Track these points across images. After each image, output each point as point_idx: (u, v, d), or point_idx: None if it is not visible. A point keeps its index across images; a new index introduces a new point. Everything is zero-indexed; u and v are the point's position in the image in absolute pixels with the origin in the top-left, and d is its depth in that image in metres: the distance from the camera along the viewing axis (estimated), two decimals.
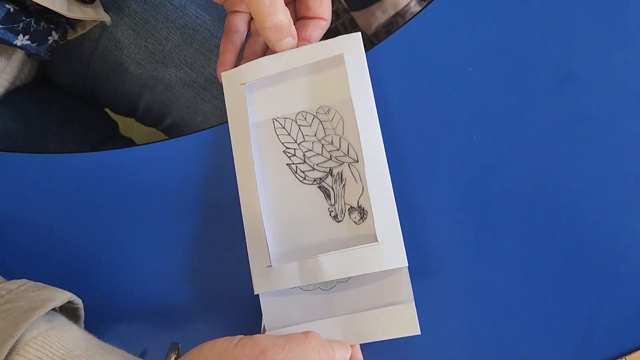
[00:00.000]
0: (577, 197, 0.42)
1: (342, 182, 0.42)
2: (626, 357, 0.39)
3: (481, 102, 0.44)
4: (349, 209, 0.41)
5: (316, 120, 0.44)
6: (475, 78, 0.44)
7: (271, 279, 0.40)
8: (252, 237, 0.42)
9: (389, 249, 0.39)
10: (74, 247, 0.46)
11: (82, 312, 0.40)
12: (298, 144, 0.44)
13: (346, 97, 0.42)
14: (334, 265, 0.39)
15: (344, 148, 0.43)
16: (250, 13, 0.42)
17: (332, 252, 0.39)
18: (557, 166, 0.43)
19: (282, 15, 0.40)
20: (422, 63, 0.45)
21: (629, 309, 0.40)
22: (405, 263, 0.39)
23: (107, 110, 0.73)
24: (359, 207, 0.41)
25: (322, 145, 0.43)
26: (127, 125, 0.77)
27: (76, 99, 0.69)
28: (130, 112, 0.67)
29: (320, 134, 0.44)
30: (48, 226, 0.47)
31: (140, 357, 0.38)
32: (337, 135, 0.43)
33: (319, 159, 0.43)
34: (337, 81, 0.42)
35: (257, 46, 0.46)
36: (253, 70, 0.43)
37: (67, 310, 0.39)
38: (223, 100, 0.44)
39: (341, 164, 0.43)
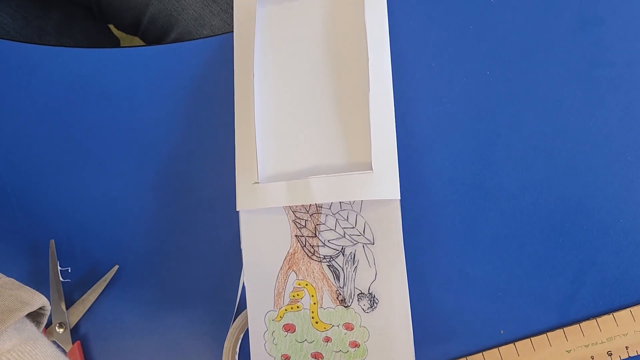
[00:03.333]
0: (584, 145, 0.41)
1: (354, 264, 0.39)
2: (614, 314, 0.40)
3: (499, 37, 0.42)
4: (358, 295, 0.39)
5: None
6: (497, 11, 0.42)
7: (256, 196, 0.39)
8: (242, 150, 0.40)
9: (383, 179, 0.37)
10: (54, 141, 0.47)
11: (45, 320, 0.38)
12: (310, 215, 0.39)
13: (359, 40, 0.39)
14: (324, 188, 0.37)
15: (360, 227, 0.38)
16: None
17: (324, 175, 0.38)
18: (567, 111, 0.41)
19: None
20: None
21: (621, 265, 0.40)
22: (397, 196, 0.37)
23: (110, 28, 0.66)
24: (370, 294, 0.39)
25: (337, 220, 0.39)
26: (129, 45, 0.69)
27: (80, 8, 0.62)
28: (134, 25, 0.59)
29: (336, 207, 0.39)
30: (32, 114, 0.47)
31: None
32: (355, 211, 0.38)
33: (331, 235, 0.39)
34: (350, 12, 0.40)
35: None
36: None
37: (31, 314, 0.37)
38: (232, 15, 0.42)
39: (355, 244, 0.39)
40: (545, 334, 0.41)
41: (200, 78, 0.45)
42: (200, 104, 0.45)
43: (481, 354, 0.41)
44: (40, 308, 0.37)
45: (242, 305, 0.42)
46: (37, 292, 0.36)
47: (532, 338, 0.41)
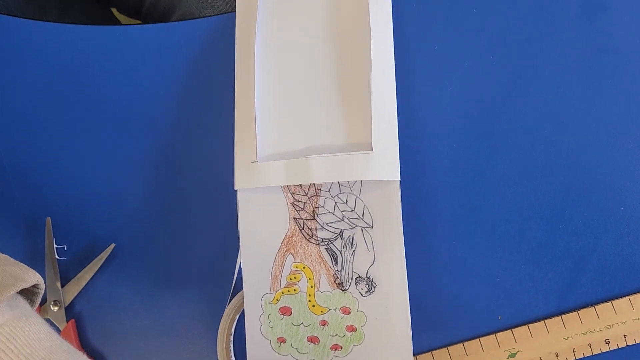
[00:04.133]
0: (586, 132, 0.40)
1: (352, 248, 0.39)
2: (612, 302, 0.40)
3: (503, 22, 0.42)
4: (356, 278, 0.39)
5: None
6: None
7: (255, 175, 0.38)
8: (241, 129, 0.40)
9: (383, 160, 0.37)
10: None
11: (39, 299, 0.37)
12: (309, 198, 0.39)
13: (362, 21, 0.38)
14: (323, 167, 0.37)
15: (359, 210, 0.38)
16: None
17: (323, 154, 0.37)
18: (570, 98, 0.41)
19: None
20: None
21: (621, 253, 0.40)
22: (397, 177, 0.37)
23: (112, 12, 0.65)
24: (368, 278, 0.39)
25: (336, 203, 0.38)
26: None
27: None
28: (136, 8, 0.58)
29: (335, 190, 0.38)
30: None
31: None
32: (354, 195, 0.38)
33: (330, 218, 0.39)
34: None
35: None
36: None
37: (25, 292, 0.37)
38: None
39: (353, 227, 0.38)
40: (543, 321, 0.40)
41: (201, 57, 0.45)
42: (200, 83, 0.44)
43: (478, 339, 0.41)
44: (34, 286, 0.37)
45: (238, 287, 0.42)
46: (31, 270, 0.36)
47: (529, 325, 0.40)
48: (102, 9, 0.63)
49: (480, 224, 0.41)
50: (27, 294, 0.37)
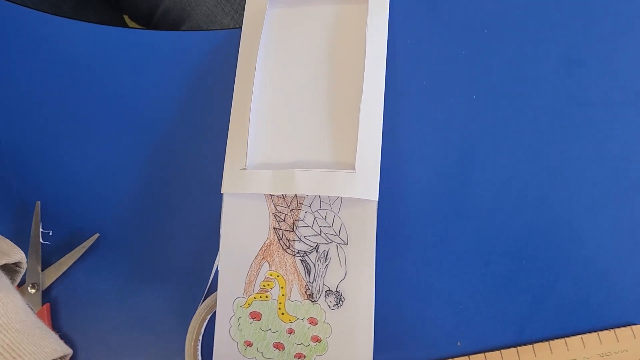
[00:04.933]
0: (556, 176, 0.43)
1: (325, 262, 0.40)
2: (566, 340, 0.41)
3: (488, 65, 0.45)
4: (326, 291, 0.41)
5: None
6: (490, 41, 0.45)
7: (242, 181, 0.40)
8: (234, 136, 0.42)
9: (364, 180, 0.39)
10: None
11: (19, 278, 0.39)
12: (290, 210, 0.41)
13: (358, 49, 0.41)
14: (307, 181, 0.39)
15: (336, 227, 0.40)
16: None
17: (309, 168, 0.40)
18: (543, 143, 0.43)
19: None
20: (441, 14, 0.46)
21: (578, 293, 0.42)
22: (375, 197, 0.39)
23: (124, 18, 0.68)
24: (337, 292, 0.40)
25: (315, 218, 0.40)
26: None
27: None
28: (147, 16, 0.61)
29: (316, 206, 0.40)
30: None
31: None
32: (333, 212, 0.40)
33: (307, 231, 0.41)
34: (353, 22, 0.43)
35: None
36: None
37: (6, 269, 0.38)
38: (242, 15, 0.44)
39: (329, 243, 0.40)
40: (499, 351, 0.42)
41: (204, 66, 0.47)
42: (201, 90, 0.47)
43: None
44: (16, 264, 0.38)
45: (213, 288, 0.44)
46: (17, 247, 0.37)
47: (486, 353, 0.42)
48: (115, 15, 0.66)
49: (449, 252, 0.43)
50: (8, 271, 0.39)
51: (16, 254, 0.37)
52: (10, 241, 0.38)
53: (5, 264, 0.37)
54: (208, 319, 0.44)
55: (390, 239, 0.43)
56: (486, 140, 0.44)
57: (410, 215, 0.43)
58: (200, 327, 0.44)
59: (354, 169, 0.39)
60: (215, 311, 0.43)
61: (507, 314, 0.42)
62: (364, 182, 0.39)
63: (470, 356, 0.42)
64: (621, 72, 0.44)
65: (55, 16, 0.49)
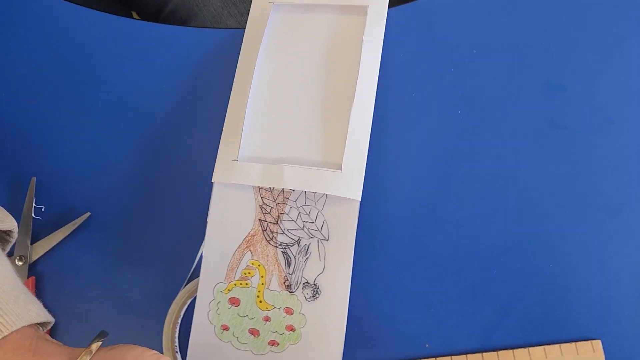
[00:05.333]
0: (530, 193, 0.45)
1: (306, 255, 0.42)
2: (529, 349, 0.43)
3: (475, 84, 0.47)
4: (304, 283, 0.42)
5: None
6: (477, 62, 0.48)
7: (232, 172, 0.42)
8: (228, 129, 0.44)
9: (349, 180, 0.41)
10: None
11: (9, 247, 0.40)
12: (276, 204, 0.43)
13: (353, 57, 0.44)
14: (295, 176, 0.41)
15: (319, 223, 0.42)
16: None
17: (298, 165, 0.42)
18: (521, 161, 0.46)
19: None
20: (435, 32, 0.48)
21: (543, 305, 0.44)
22: (358, 197, 0.41)
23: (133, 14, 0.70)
24: (314, 285, 0.42)
25: (299, 213, 0.42)
26: None
27: None
28: (155, 13, 0.63)
29: (301, 201, 0.42)
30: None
31: None
32: (317, 209, 0.42)
33: (291, 225, 0.43)
34: (351, 32, 0.45)
35: None
36: None
37: None
38: (247, 18, 0.47)
39: (310, 237, 0.42)
40: (465, 355, 0.44)
41: (206, 62, 0.49)
42: (201, 84, 0.49)
43: None
44: (7, 233, 0.40)
45: (196, 274, 0.45)
46: (10, 216, 0.39)
47: (453, 356, 0.44)
48: (123, 9, 0.68)
49: (424, 257, 0.45)
50: None
51: (9, 222, 0.38)
52: (4, 209, 0.39)
53: None
54: (188, 303, 0.45)
55: (369, 240, 0.45)
56: (467, 154, 0.46)
57: (390, 219, 0.45)
58: (180, 311, 0.45)
59: (340, 169, 0.41)
60: (195, 296, 0.44)
61: (475, 320, 0.44)
62: (349, 182, 0.41)
63: (438, 359, 0.44)
64: (597, 101, 0.46)
65: (65, 1, 0.51)
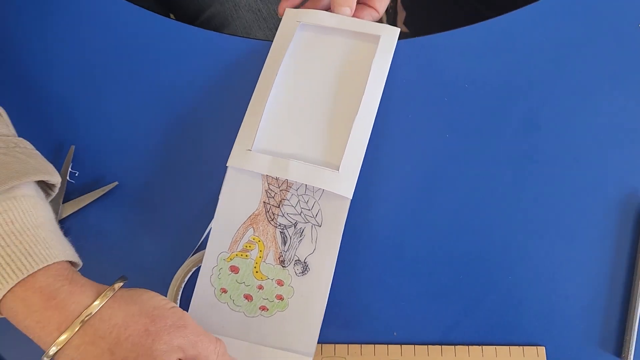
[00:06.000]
0: (502, 213, 0.52)
1: (300, 237, 0.49)
2: (482, 347, 0.49)
3: (464, 113, 0.54)
4: (295, 261, 0.49)
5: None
6: (468, 94, 0.55)
7: (246, 159, 0.49)
8: (247, 123, 0.51)
9: (344, 180, 0.48)
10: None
11: (48, 200, 0.45)
12: (280, 190, 0.50)
13: (362, 77, 0.52)
14: (298, 170, 0.48)
15: (315, 211, 0.49)
16: None
17: (302, 161, 0.49)
18: (496, 184, 0.53)
19: None
20: (435, 66, 0.56)
21: (498, 311, 0.50)
22: (350, 195, 0.48)
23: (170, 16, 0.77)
24: (305, 263, 0.49)
25: (299, 200, 0.49)
26: None
27: None
28: (192, 19, 0.70)
29: (302, 191, 0.49)
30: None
31: None
32: (314, 199, 0.49)
33: (291, 210, 0.50)
34: (364, 56, 0.53)
35: (316, 5, 0.57)
36: (311, 16, 0.54)
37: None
38: (274, 33, 0.54)
39: (306, 223, 0.49)
40: (427, 346, 0.50)
41: (234, 65, 0.57)
42: (226, 82, 0.56)
43: (373, 345, 0.51)
44: (50, 187, 0.47)
45: (202, 247, 0.52)
46: (57, 173, 0.46)
47: (416, 346, 0.50)
48: (162, 12, 0.76)
49: (402, 256, 0.52)
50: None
51: (56, 178, 0.45)
52: (53, 167, 0.46)
53: (40, 186, 0.45)
54: (192, 271, 0.52)
55: (356, 235, 0.52)
56: (449, 173, 0.53)
57: (377, 219, 0.52)
58: (184, 277, 0.52)
59: (338, 170, 0.48)
60: (199, 266, 0.51)
61: (439, 316, 0.51)
62: (344, 182, 0.48)
63: (403, 345, 0.51)
64: (566, 141, 0.54)
65: None
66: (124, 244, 0.53)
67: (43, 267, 0.38)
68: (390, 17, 1.21)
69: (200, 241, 0.52)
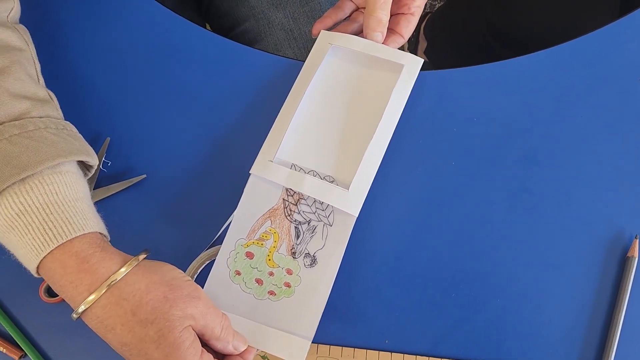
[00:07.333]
0: (496, 240, 0.56)
1: (312, 233, 0.54)
2: None
3: (470, 143, 0.59)
4: (305, 254, 0.53)
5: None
6: (475, 127, 0.59)
7: (266, 169, 0.54)
8: (272, 137, 0.55)
9: (352, 199, 0.53)
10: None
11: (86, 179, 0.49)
12: (299, 191, 0.55)
13: (382, 103, 0.56)
14: (311, 186, 0.53)
15: (327, 212, 0.54)
16: (359, 5, 0.60)
17: (316, 178, 0.53)
18: (494, 214, 0.57)
19: (386, 14, 0.55)
20: (446, 101, 0.60)
21: (485, 328, 0.54)
22: (356, 214, 0.52)
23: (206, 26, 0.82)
24: (314, 256, 0.53)
25: (315, 201, 0.54)
26: None
27: (193, 2, 0.77)
28: (227, 31, 0.75)
29: None
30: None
31: None
32: (328, 202, 0.54)
33: (306, 209, 0.54)
34: (386, 83, 0.57)
35: (347, 29, 0.61)
36: (344, 39, 0.58)
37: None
38: (305, 53, 0.59)
39: (319, 221, 0.54)
40: (416, 356, 0.54)
41: (264, 79, 0.62)
42: (255, 94, 0.61)
43: (366, 350, 0.54)
44: (88, 168, 0.51)
45: (218, 242, 0.56)
46: (96, 155, 0.51)
47: (405, 355, 0.54)
48: (200, 22, 0.81)
49: (400, 269, 0.55)
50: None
51: (95, 160, 0.50)
52: (94, 150, 0.51)
53: (80, 166, 0.50)
54: (205, 264, 0.56)
55: (361, 245, 0.56)
56: (451, 196, 0.57)
57: (380, 234, 0.56)
58: (198, 268, 0.56)
59: (348, 189, 0.53)
60: (212, 260, 0.55)
61: (430, 329, 0.54)
62: (352, 201, 0.53)
63: (393, 353, 0.54)
64: (562, 178, 0.58)
65: (156, 1, 0.64)
66: (144, 233, 0.58)
67: (80, 235, 0.43)
68: (411, 45, 1.27)
69: (216, 237, 0.57)
